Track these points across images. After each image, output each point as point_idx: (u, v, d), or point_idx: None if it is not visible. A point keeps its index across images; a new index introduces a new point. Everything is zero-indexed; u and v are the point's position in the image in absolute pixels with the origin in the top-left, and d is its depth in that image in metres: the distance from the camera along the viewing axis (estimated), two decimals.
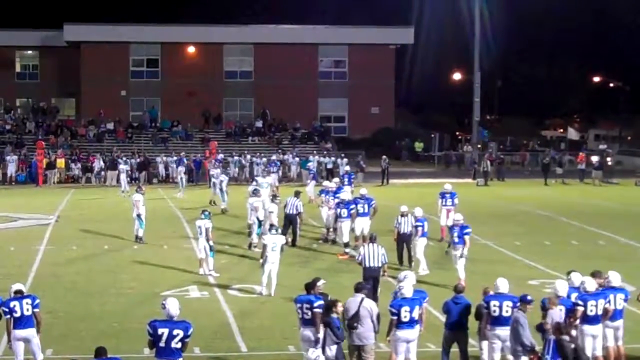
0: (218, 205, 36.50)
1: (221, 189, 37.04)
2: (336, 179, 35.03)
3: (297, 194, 28.61)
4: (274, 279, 20.84)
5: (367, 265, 19.10)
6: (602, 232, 31.60)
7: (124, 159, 50.85)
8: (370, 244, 19.50)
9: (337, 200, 28.15)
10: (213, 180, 39.39)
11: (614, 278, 15.47)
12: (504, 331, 14.54)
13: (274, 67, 70.77)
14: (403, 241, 24.30)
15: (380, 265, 19.10)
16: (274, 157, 51.91)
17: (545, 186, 51.21)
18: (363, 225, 26.64)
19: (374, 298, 17.14)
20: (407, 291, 14.70)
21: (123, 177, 45.96)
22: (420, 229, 23.73)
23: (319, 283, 15.26)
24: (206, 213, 23.97)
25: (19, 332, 14.50)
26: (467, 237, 21.80)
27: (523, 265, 25.12)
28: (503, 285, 14.95)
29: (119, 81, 71.12)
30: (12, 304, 14.52)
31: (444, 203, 29.39)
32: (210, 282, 22.53)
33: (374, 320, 14.51)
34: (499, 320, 14.61)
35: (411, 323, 14.52)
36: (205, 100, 69.58)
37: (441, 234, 28.55)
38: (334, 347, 14.04)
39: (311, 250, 27.51)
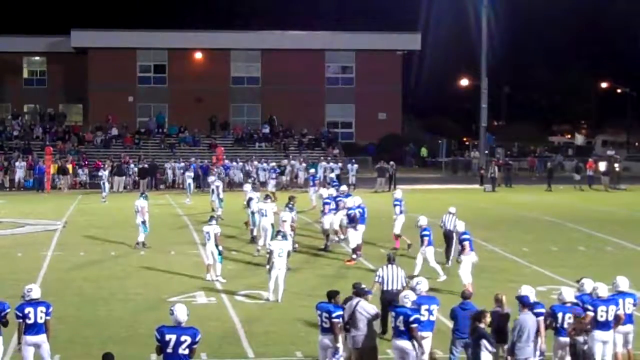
0: (215, 211, 36.10)
1: (218, 195, 36.99)
2: (344, 186, 34.78)
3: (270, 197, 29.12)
4: (281, 285, 20.83)
5: (386, 288, 17.68)
6: (609, 238, 31.52)
7: (122, 165, 51.60)
8: (390, 265, 17.94)
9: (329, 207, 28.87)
10: (211, 186, 39.48)
11: (622, 283, 15.42)
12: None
13: (281, 73, 70.84)
14: (445, 238, 25.75)
15: (400, 288, 17.52)
16: (273, 164, 51.87)
17: (549, 192, 51.10)
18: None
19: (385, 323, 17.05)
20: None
21: (102, 182, 46.18)
22: (426, 239, 23.31)
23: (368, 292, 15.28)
24: (214, 219, 24.04)
25: (30, 338, 14.45)
26: (465, 243, 21.63)
27: (530, 272, 25.05)
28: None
29: (126, 87, 71.27)
30: (26, 310, 14.42)
31: (395, 211, 28.90)
32: (217, 288, 22.52)
33: (371, 323, 14.48)
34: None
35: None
36: (212, 106, 69.70)
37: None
38: (489, 357, 13.87)
39: (318, 256, 27.49)
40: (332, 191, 31.51)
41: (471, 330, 13.98)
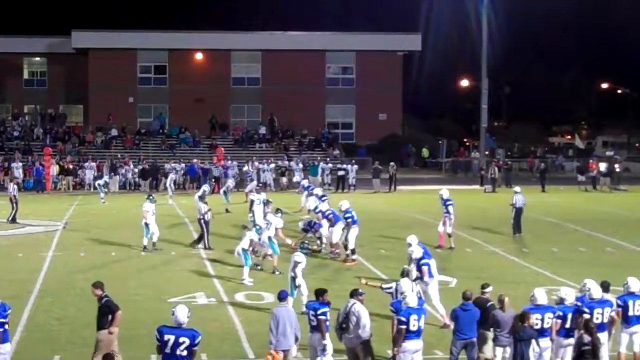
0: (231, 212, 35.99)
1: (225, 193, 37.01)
2: (318, 189, 34.31)
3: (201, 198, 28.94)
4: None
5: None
6: (610, 238, 31.53)
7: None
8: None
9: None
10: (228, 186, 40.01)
11: (633, 284, 15.38)
12: (545, 342, 14.44)
13: (281, 74, 70.83)
14: (518, 214, 31.65)
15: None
16: (246, 168, 51.55)
17: (544, 193, 51.14)
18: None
19: None
20: (412, 300, 14.55)
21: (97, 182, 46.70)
22: (425, 268, 19.04)
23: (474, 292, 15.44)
24: (257, 227, 24.71)
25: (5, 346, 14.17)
26: (424, 268, 18.82)
27: (530, 272, 25.06)
28: (541, 296, 14.80)
29: (126, 88, 71.27)
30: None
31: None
32: (218, 288, 22.52)
33: (360, 325, 14.50)
34: (543, 332, 14.48)
35: (419, 333, 14.28)
36: (213, 106, 69.68)
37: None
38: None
39: (318, 258, 27.46)
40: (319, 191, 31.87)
41: (515, 330, 13.98)
